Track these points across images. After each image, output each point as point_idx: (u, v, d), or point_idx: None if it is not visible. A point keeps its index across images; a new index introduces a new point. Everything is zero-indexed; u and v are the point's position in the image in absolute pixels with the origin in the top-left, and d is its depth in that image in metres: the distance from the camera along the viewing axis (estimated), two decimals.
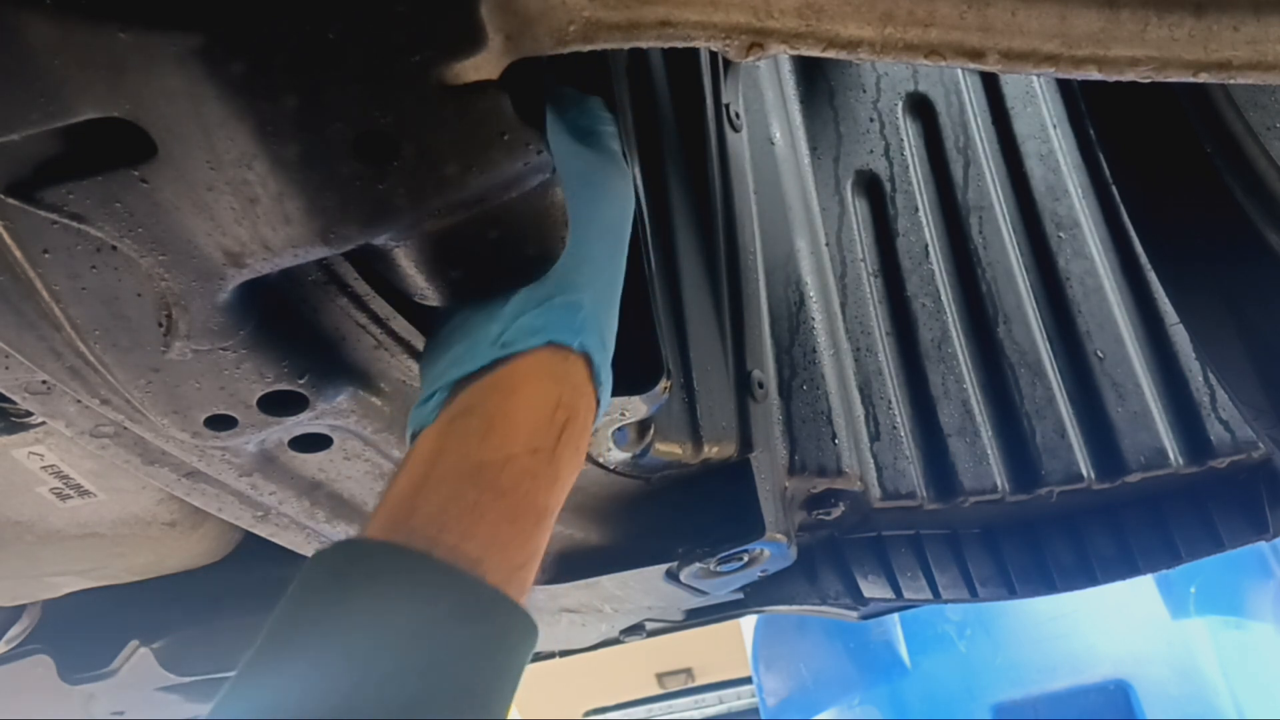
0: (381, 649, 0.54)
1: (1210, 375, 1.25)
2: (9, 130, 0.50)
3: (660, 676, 5.25)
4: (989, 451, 1.29)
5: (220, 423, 0.77)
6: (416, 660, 0.54)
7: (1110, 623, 2.80)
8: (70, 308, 0.64)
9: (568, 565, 1.16)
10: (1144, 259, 1.31)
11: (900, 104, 1.47)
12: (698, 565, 1.11)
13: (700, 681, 5.21)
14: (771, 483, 1.14)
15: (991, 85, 1.46)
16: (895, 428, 1.31)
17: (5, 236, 0.59)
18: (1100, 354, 1.30)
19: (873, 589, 1.34)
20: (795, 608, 1.38)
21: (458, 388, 0.65)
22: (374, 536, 0.59)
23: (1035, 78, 1.43)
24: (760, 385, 1.18)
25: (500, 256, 0.64)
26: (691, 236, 1.14)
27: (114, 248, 0.59)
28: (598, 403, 0.71)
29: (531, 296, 0.67)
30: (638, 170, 0.98)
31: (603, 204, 0.75)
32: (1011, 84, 1.46)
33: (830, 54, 0.57)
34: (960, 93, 1.46)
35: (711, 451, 1.08)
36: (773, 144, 1.40)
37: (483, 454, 0.62)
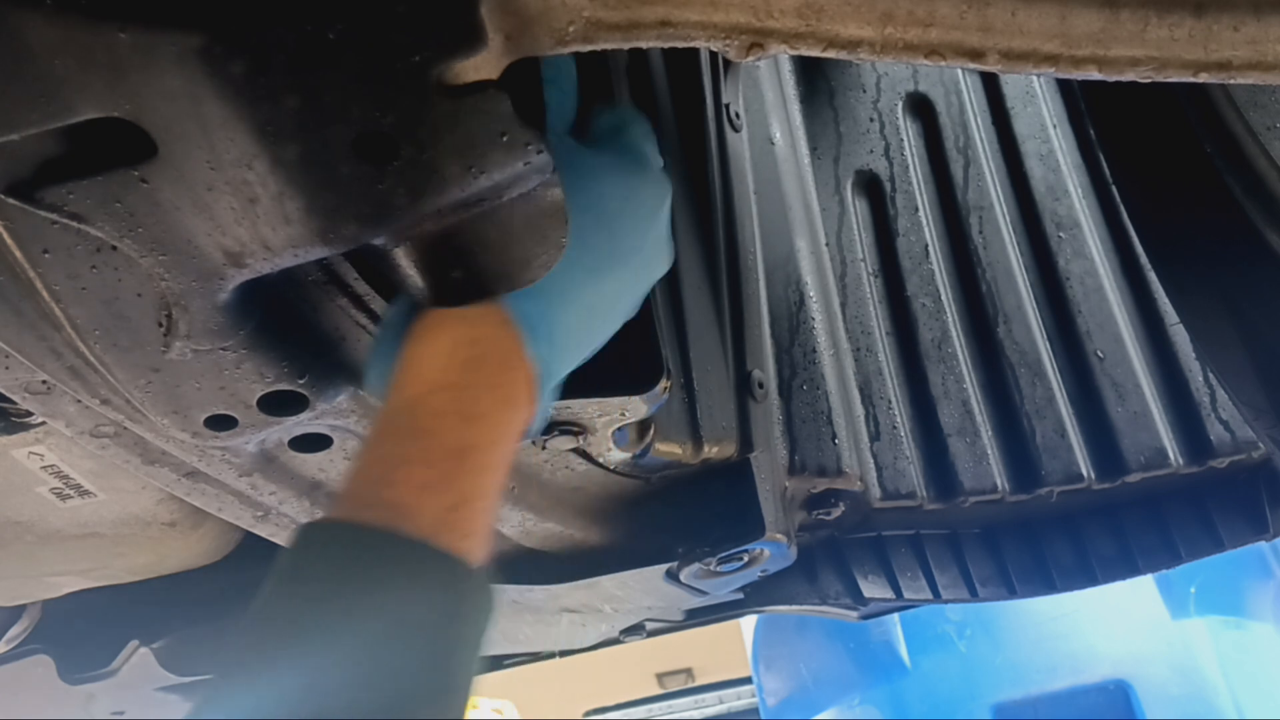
0: (325, 630, 0.55)
1: (1210, 375, 1.25)
2: (9, 130, 0.50)
3: (660, 676, 5.25)
4: (989, 451, 1.29)
5: (220, 423, 0.77)
6: (356, 631, 0.54)
7: (1110, 623, 2.80)
8: (70, 308, 0.64)
9: (568, 565, 1.16)
10: (1144, 259, 1.31)
11: (900, 104, 1.47)
12: (698, 565, 1.11)
13: (700, 681, 5.22)
14: (771, 483, 1.14)
15: (991, 85, 1.46)
16: (895, 428, 1.31)
17: (5, 236, 0.59)
18: (1100, 354, 1.30)
19: (873, 589, 1.34)
20: (795, 608, 1.38)
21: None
22: (333, 513, 0.60)
23: (1035, 78, 1.43)
24: (760, 385, 1.18)
25: (500, 257, 0.64)
26: (691, 236, 1.14)
27: (114, 248, 0.59)
28: (524, 349, 0.67)
29: None
30: None
31: (579, 192, 0.73)
32: (1011, 84, 1.46)
33: (830, 54, 0.57)
34: (960, 93, 1.46)
35: (711, 451, 1.08)
36: (773, 144, 1.40)
37: (395, 401, 0.63)
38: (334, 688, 0.53)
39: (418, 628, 0.57)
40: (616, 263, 0.75)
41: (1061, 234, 1.36)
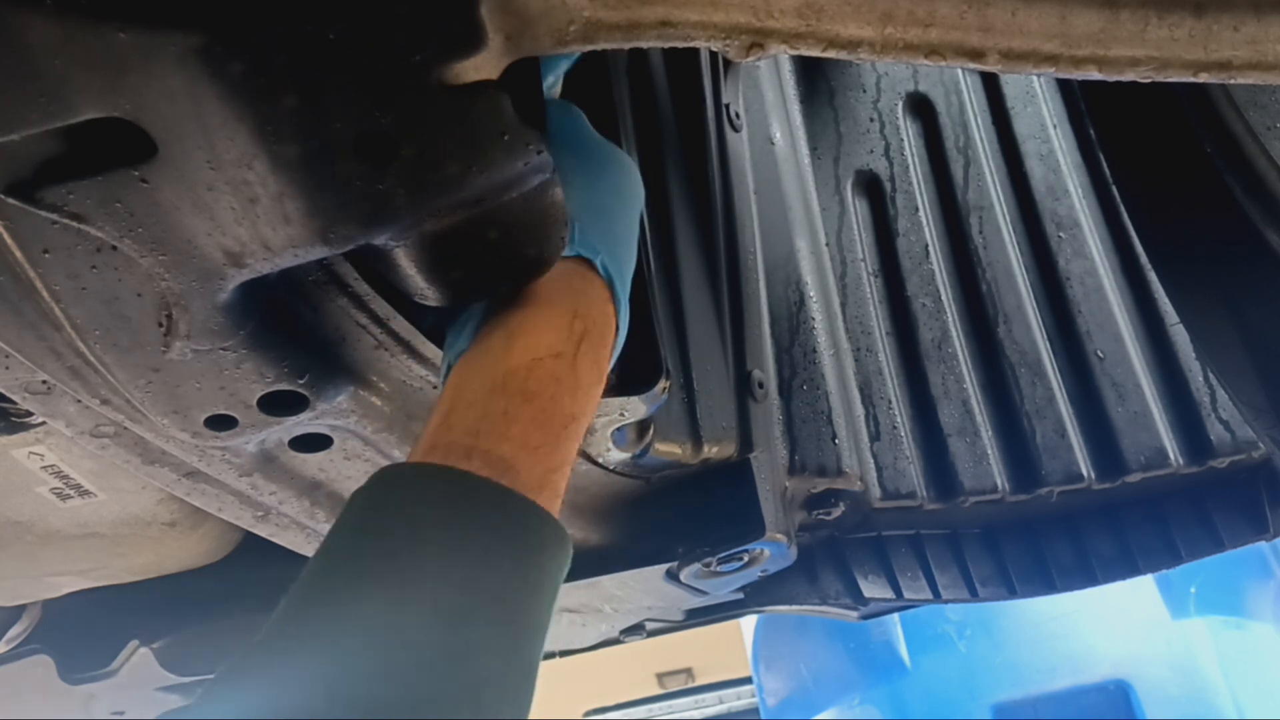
0: (417, 570, 0.55)
1: (1210, 375, 1.25)
2: (9, 130, 0.50)
3: (660, 676, 5.24)
4: (989, 451, 1.29)
5: (220, 423, 0.77)
6: (452, 574, 0.55)
7: (1110, 623, 2.80)
8: (70, 308, 0.64)
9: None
10: (1144, 259, 1.31)
11: (900, 104, 1.47)
12: (698, 565, 1.11)
13: (700, 681, 5.21)
14: (771, 483, 1.14)
15: (991, 85, 1.46)
16: (895, 428, 1.31)
17: (5, 236, 0.59)
18: (1100, 354, 1.30)
19: (873, 589, 1.34)
20: (795, 608, 1.38)
21: (487, 313, 0.68)
22: (412, 460, 0.61)
23: (1035, 78, 1.43)
24: (760, 385, 1.18)
25: (500, 257, 0.64)
26: (691, 236, 1.14)
27: (114, 248, 0.59)
28: (616, 330, 0.72)
29: None
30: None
31: (608, 168, 0.77)
32: (1011, 84, 1.46)
33: (830, 54, 0.57)
34: (960, 93, 1.46)
35: (711, 451, 1.08)
36: (773, 144, 1.40)
37: (508, 362, 0.64)
38: (435, 627, 0.54)
39: (527, 582, 0.58)
40: (630, 233, 0.77)
41: (1061, 234, 1.36)
